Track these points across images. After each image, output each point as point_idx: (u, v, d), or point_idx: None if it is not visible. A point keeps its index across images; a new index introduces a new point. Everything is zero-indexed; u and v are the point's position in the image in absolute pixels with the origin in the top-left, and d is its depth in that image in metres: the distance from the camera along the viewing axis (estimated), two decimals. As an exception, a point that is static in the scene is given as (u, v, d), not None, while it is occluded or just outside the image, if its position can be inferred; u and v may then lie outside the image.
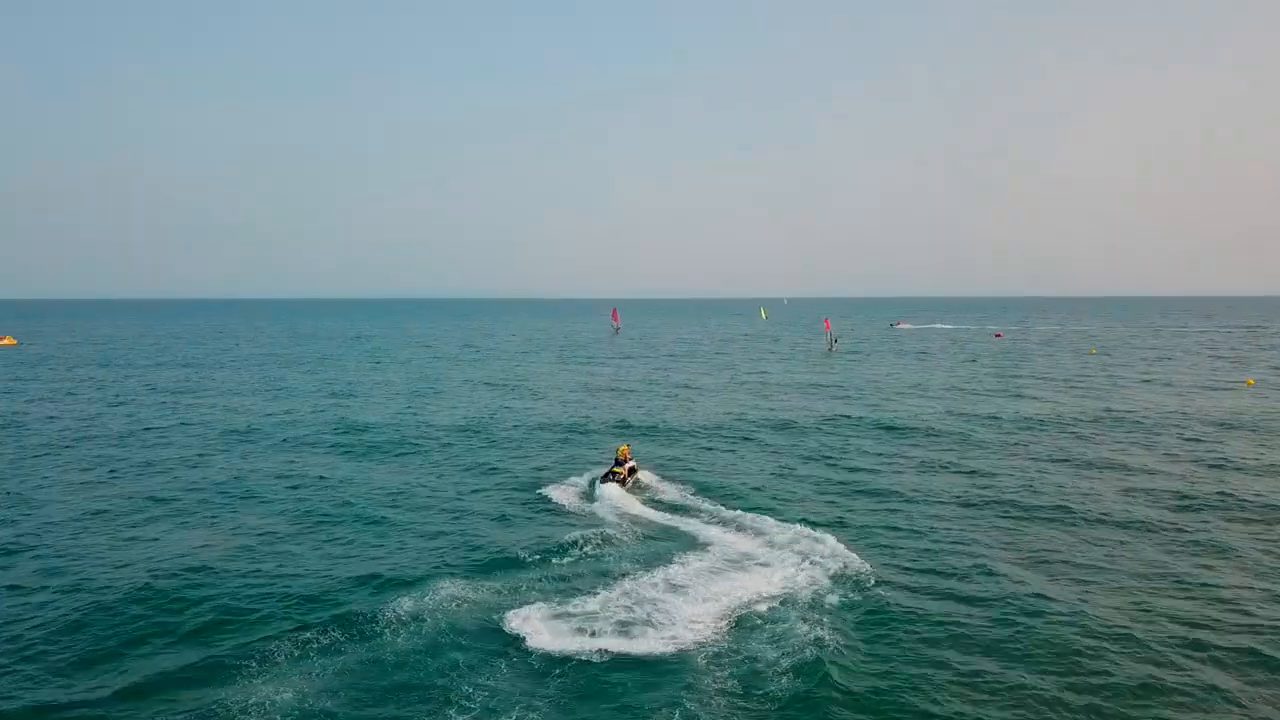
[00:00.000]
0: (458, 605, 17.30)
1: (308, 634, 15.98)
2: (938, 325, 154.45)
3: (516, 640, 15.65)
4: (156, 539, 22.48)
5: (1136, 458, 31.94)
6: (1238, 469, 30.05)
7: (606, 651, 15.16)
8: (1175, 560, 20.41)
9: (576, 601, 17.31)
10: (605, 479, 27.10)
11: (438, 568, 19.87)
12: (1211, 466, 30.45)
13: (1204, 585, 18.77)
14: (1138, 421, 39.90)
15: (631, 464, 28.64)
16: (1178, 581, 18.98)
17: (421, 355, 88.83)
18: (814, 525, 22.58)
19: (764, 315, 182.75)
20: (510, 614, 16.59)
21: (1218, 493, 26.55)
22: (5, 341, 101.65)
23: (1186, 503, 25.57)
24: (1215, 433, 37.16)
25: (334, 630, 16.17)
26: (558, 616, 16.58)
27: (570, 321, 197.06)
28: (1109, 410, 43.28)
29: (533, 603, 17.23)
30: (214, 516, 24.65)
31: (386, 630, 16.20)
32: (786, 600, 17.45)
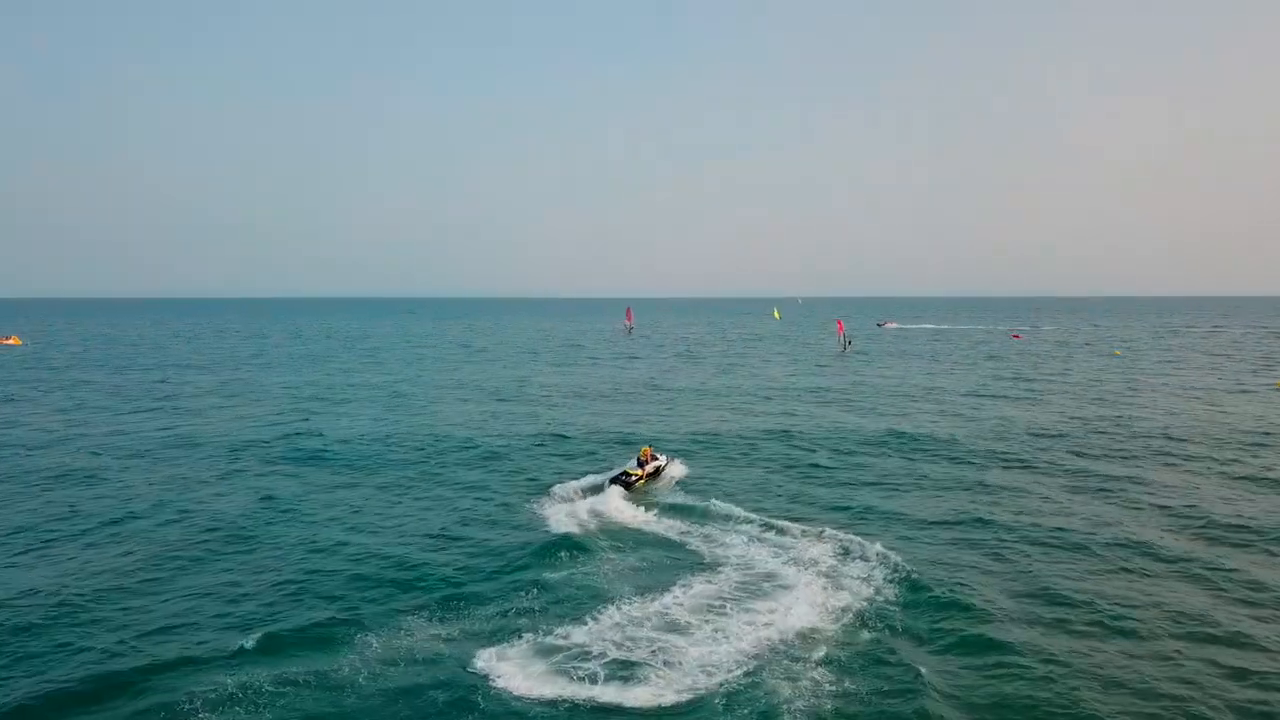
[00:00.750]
0: (426, 640, 15.34)
1: (259, 673, 13.97)
2: (928, 325, 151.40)
3: (487, 681, 13.63)
4: (75, 558, 20.25)
5: (1166, 474, 29.51)
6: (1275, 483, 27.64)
7: (594, 700, 13.01)
8: (1215, 603, 17.61)
9: (560, 632, 15.35)
10: (614, 482, 25.32)
11: (403, 595, 17.73)
12: (1246, 480, 28.11)
13: (1249, 630, 16.19)
14: (1164, 429, 37.66)
15: (657, 463, 27.06)
16: (1219, 626, 16.42)
17: (418, 355, 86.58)
18: (832, 542, 20.55)
19: (777, 315, 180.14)
20: (482, 651, 14.59)
21: (1258, 512, 24.17)
22: (10, 341, 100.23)
23: (1222, 521, 23.20)
24: (1248, 440, 34.88)
25: (285, 668, 14.18)
26: (538, 654, 14.54)
27: (574, 321, 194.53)
28: (1135, 417, 40.98)
29: (510, 638, 15.19)
30: (152, 534, 22.11)
31: (346, 667, 14.27)
32: (808, 635, 15.32)
